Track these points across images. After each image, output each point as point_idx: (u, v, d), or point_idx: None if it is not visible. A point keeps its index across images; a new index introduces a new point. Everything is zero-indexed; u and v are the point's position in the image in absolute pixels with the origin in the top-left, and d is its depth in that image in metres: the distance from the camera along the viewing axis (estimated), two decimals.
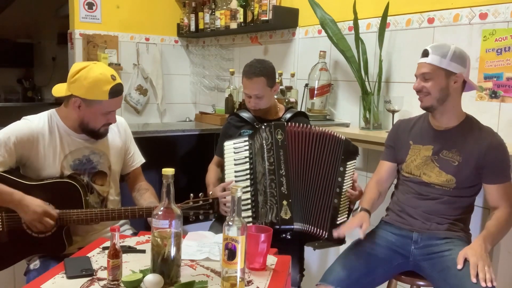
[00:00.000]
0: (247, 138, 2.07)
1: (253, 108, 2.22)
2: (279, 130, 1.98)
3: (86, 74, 1.77)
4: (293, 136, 1.99)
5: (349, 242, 1.94)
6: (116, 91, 1.81)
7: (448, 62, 1.74)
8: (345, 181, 1.98)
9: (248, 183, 1.97)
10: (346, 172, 1.99)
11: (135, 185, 2.10)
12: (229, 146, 2.08)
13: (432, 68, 1.76)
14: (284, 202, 1.85)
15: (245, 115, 2.28)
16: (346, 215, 1.95)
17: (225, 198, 1.91)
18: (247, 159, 2.02)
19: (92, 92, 1.78)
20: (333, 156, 2.00)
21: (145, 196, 2.01)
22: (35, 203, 1.72)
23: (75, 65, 1.83)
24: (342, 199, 1.95)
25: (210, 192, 1.97)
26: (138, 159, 2.12)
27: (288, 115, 2.26)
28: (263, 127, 2.02)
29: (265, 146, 1.96)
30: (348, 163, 2.01)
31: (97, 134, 1.89)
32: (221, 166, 2.24)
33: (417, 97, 1.84)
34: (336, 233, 1.77)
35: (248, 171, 2.00)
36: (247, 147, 2.05)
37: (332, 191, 1.95)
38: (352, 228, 1.76)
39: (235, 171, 2.01)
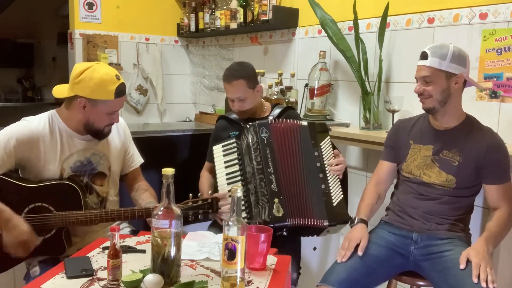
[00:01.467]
0: (234, 140, 2.08)
1: (238, 111, 2.21)
2: (263, 129, 1.99)
3: (91, 74, 1.77)
4: (278, 133, 2.00)
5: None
6: (121, 91, 1.82)
7: (448, 64, 1.73)
8: (325, 163, 1.97)
9: (240, 184, 1.97)
10: (323, 153, 1.99)
11: (134, 185, 2.10)
12: (218, 149, 2.10)
13: (432, 71, 1.75)
14: (276, 200, 1.86)
15: (233, 116, 2.28)
16: (341, 191, 1.94)
17: (220, 208, 1.89)
18: (236, 161, 2.04)
19: (98, 92, 1.77)
20: (304, 144, 2.00)
21: (143, 196, 2.01)
22: (23, 229, 1.70)
23: (77, 65, 1.82)
24: (329, 181, 1.94)
25: (209, 192, 1.97)
26: (137, 159, 2.12)
27: (276, 111, 2.26)
28: (247, 126, 2.02)
29: (251, 146, 1.98)
30: (321, 144, 2.00)
31: (101, 134, 1.89)
32: (213, 172, 2.24)
33: (417, 97, 1.84)
34: (339, 259, 1.78)
35: (238, 173, 2.01)
36: (235, 149, 2.06)
37: (317, 179, 1.94)
38: (351, 250, 1.78)
39: (226, 174, 2.02)
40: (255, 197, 1.91)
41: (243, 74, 2.14)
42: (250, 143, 1.98)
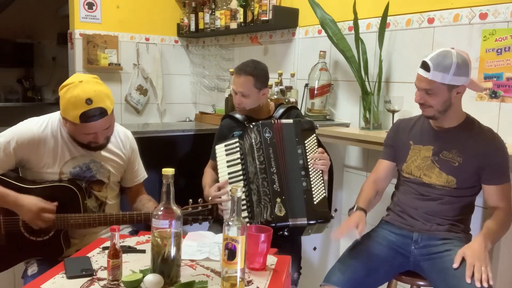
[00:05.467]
0: (237, 139, 2.07)
1: (237, 105, 2.21)
2: (266, 129, 2.00)
3: (64, 93, 1.73)
4: (279, 133, 2.00)
5: (348, 240, 1.94)
6: (89, 117, 1.69)
7: (451, 78, 1.68)
8: (308, 160, 1.96)
9: (241, 184, 1.98)
10: (307, 151, 1.98)
11: (136, 198, 2.07)
12: (220, 148, 2.10)
13: (435, 84, 1.71)
14: (278, 200, 1.86)
15: (237, 116, 2.28)
16: (323, 190, 1.93)
17: (220, 197, 1.91)
18: (239, 160, 2.04)
19: (66, 113, 1.74)
20: (290, 141, 2.00)
21: (148, 205, 1.97)
22: (30, 202, 1.72)
23: (68, 79, 1.78)
24: (311, 179, 1.93)
25: (209, 198, 1.96)
26: (141, 174, 2.09)
27: (280, 111, 2.26)
28: (251, 126, 2.03)
29: (254, 146, 1.98)
30: (305, 142, 2.00)
31: (89, 148, 1.86)
32: (216, 170, 2.24)
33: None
34: (333, 236, 1.77)
35: (240, 172, 2.01)
36: (238, 148, 2.06)
37: (298, 176, 1.93)
38: (349, 230, 1.76)
39: (228, 173, 2.03)
40: (257, 196, 1.91)
41: (253, 72, 2.15)
42: (253, 143, 1.98)
